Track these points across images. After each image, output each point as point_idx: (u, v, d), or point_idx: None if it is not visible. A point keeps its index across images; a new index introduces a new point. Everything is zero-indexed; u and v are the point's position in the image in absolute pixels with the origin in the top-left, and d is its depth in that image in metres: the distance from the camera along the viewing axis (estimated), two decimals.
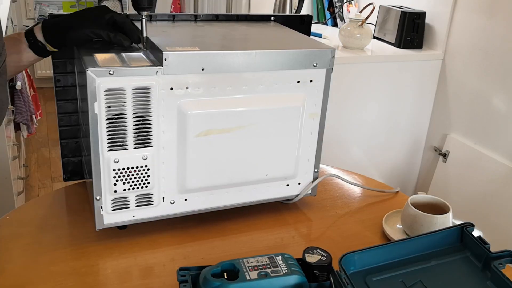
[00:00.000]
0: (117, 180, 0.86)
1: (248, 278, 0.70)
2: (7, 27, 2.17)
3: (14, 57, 0.91)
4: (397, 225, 1.01)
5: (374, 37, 2.25)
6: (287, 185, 1.02)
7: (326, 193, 1.15)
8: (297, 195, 1.04)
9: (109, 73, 0.79)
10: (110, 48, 0.90)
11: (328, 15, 2.57)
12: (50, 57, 0.99)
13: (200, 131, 0.88)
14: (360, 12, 2.21)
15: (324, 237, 0.99)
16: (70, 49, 0.99)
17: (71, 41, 0.89)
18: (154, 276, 0.85)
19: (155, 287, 0.82)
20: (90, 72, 0.78)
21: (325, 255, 0.77)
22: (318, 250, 0.78)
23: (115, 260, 0.87)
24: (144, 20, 0.88)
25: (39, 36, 0.90)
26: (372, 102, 2.06)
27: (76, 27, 0.87)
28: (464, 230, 0.81)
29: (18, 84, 2.24)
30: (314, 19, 2.60)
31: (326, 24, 2.57)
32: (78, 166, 1.11)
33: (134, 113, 0.83)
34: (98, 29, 0.87)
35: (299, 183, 1.03)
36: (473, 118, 1.98)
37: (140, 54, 0.89)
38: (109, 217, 0.89)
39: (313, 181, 1.04)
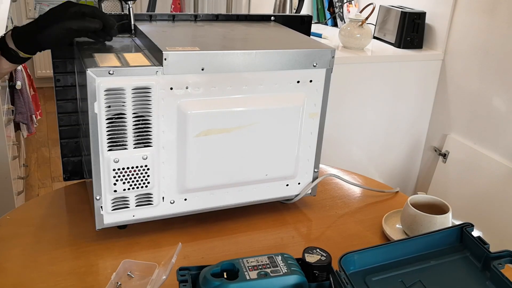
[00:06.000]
0: (117, 180, 0.86)
1: (247, 278, 0.70)
2: (7, 26, 2.17)
3: None
4: (397, 225, 1.01)
5: (374, 37, 2.26)
6: (287, 185, 1.02)
7: (326, 193, 1.15)
8: (297, 195, 1.04)
9: (109, 73, 0.79)
10: (110, 48, 0.90)
11: (328, 15, 2.57)
12: (50, 57, 0.99)
13: (200, 131, 0.88)
14: (360, 12, 2.21)
15: (324, 237, 0.99)
16: (70, 49, 0.99)
17: (43, 44, 0.88)
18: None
19: None
20: (90, 72, 0.78)
21: (325, 255, 0.77)
22: (318, 250, 0.78)
23: (115, 260, 0.87)
24: (131, 9, 0.93)
25: (10, 44, 0.89)
26: (372, 102, 2.06)
27: (44, 28, 0.86)
28: (463, 230, 0.81)
29: (18, 84, 2.24)
30: (314, 19, 2.60)
31: (326, 24, 2.57)
32: (78, 165, 1.11)
33: (134, 113, 0.83)
34: (67, 23, 0.85)
35: (299, 183, 1.03)
36: (473, 118, 1.98)
37: (140, 54, 0.89)
38: (109, 216, 0.89)
39: (313, 181, 1.04)
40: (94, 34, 0.91)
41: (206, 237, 0.96)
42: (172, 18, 1.08)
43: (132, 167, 0.86)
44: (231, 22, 1.11)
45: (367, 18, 2.04)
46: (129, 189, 0.87)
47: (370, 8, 2.09)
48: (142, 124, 0.84)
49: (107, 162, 0.84)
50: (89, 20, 0.87)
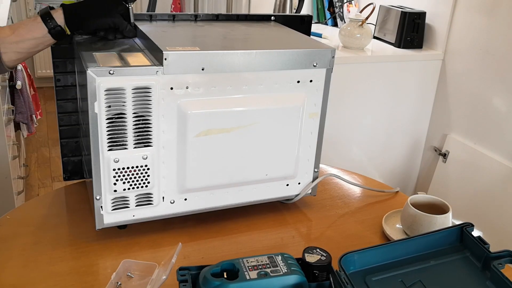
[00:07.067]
0: (117, 180, 0.86)
1: (247, 277, 0.70)
2: None
3: (31, 42, 0.91)
4: (397, 225, 1.01)
5: (374, 37, 2.25)
6: (287, 185, 1.02)
7: (326, 193, 1.15)
8: (297, 195, 1.04)
9: (109, 73, 0.79)
10: (110, 48, 0.90)
11: (328, 15, 2.57)
12: (50, 56, 0.99)
13: (200, 131, 0.88)
14: (360, 12, 2.21)
15: (324, 237, 0.99)
16: (70, 49, 0.99)
17: (91, 27, 0.93)
18: None
19: None
20: (90, 71, 0.78)
21: (325, 255, 0.77)
22: (318, 250, 0.78)
23: (115, 260, 0.87)
24: (131, 9, 0.96)
25: (59, 20, 0.91)
26: (372, 102, 2.06)
27: (98, 15, 0.91)
28: (463, 230, 0.81)
29: (18, 84, 2.24)
30: (314, 19, 2.60)
31: (326, 24, 2.57)
32: (78, 165, 1.11)
33: (134, 113, 0.83)
34: (118, 20, 0.92)
35: (299, 183, 1.03)
36: (473, 118, 1.98)
37: (140, 54, 0.89)
38: (109, 216, 0.89)
39: (313, 181, 1.04)
40: (114, 34, 0.96)
41: (206, 237, 0.96)
42: (172, 18, 1.08)
43: (132, 167, 0.86)
44: (231, 22, 1.11)
45: (367, 18, 2.04)
46: (129, 189, 0.87)
47: (370, 8, 2.09)
48: (142, 124, 0.84)
49: (107, 162, 0.84)
50: (129, 28, 0.95)
